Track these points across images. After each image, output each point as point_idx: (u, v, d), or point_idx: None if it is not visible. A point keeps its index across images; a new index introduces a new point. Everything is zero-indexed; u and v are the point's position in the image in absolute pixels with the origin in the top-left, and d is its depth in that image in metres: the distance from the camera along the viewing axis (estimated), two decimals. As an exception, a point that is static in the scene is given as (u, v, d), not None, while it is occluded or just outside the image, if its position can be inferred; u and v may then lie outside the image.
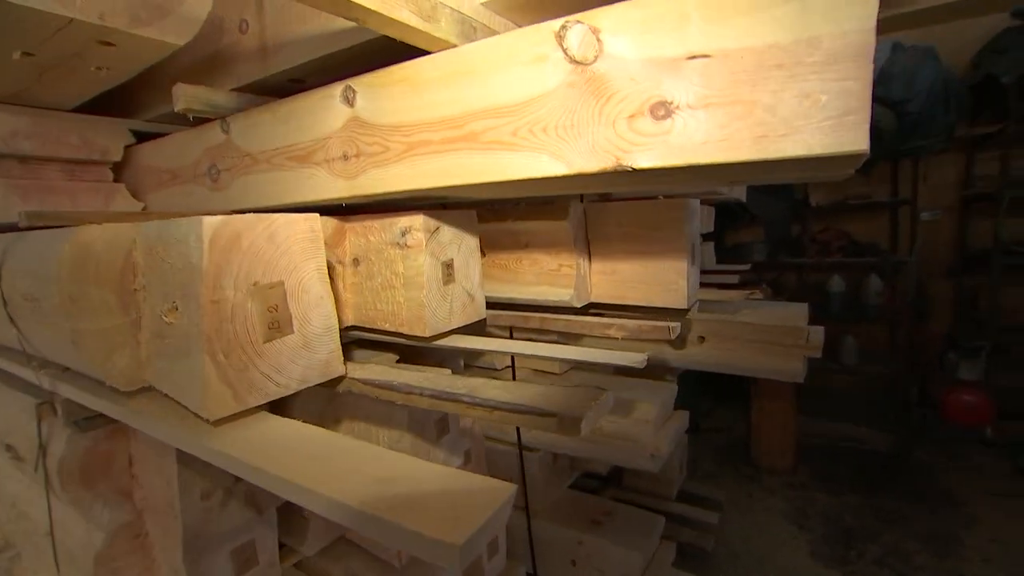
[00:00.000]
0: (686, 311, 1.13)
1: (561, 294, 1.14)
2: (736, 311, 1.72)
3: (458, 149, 0.70)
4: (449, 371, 1.07)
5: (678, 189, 1.39)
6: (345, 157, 0.85)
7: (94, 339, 0.68)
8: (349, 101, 0.82)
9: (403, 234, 0.96)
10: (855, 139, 0.47)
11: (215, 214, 0.64)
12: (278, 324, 0.65)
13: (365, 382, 0.74)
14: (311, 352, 0.70)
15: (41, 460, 1.00)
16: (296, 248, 0.67)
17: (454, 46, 0.69)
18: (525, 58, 0.63)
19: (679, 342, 1.83)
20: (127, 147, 1.27)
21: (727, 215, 3.19)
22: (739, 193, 2.10)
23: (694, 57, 0.53)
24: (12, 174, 1.12)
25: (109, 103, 1.25)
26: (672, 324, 1.00)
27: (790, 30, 0.48)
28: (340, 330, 1.09)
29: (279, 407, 0.80)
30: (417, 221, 0.93)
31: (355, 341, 1.24)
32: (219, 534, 0.95)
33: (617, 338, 1.07)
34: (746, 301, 1.92)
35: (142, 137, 1.28)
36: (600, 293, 1.20)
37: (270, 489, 0.49)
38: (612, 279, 1.18)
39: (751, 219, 3.18)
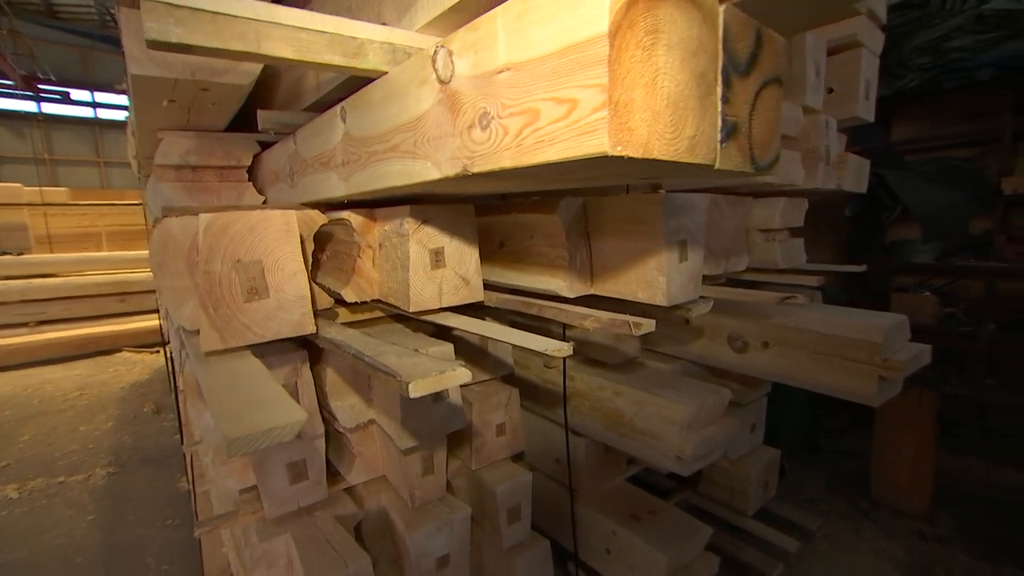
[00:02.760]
0: (670, 308, 1.09)
1: (552, 284, 1.20)
2: (807, 316, 1.53)
3: (390, 158, 0.85)
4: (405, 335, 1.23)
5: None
6: (343, 163, 1.06)
7: (171, 293, 1.00)
8: (343, 119, 1.03)
9: (401, 224, 1.15)
10: (599, 143, 0.49)
11: (289, 207, 0.90)
12: (256, 291, 0.89)
13: (328, 339, 0.95)
14: (285, 313, 0.93)
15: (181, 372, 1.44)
16: (272, 236, 0.90)
17: (386, 72, 0.84)
18: (417, 80, 0.75)
19: (740, 344, 1.69)
20: (255, 155, 1.69)
21: (878, 206, 2.67)
22: (829, 180, 1.80)
23: (501, 71, 0.59)
24: (185, 178, 1.61)
25: (251, 121, 1.69)
26: (635, 320, 0.99)
27: (554, 40, 0.52)
28: (369, 301, 1.34)
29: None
30: (404, 212, 1.11)
31: (394, 316, 1.48)
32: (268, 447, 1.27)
33: (590, 329, 1.09)
34: (822, 306, 1.66)
35: (266, 146, 1.69)
36: (600, 286, 1.22)
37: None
38: (608, 272, 1.19)
39: (903, 212, 2.60)
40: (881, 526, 2.17)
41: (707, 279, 1.65)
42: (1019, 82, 2.36)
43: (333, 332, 1.00)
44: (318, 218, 1.19)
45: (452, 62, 0.67)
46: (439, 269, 1.16)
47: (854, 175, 1.87)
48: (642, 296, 1.10)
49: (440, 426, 1.29)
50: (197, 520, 1.65)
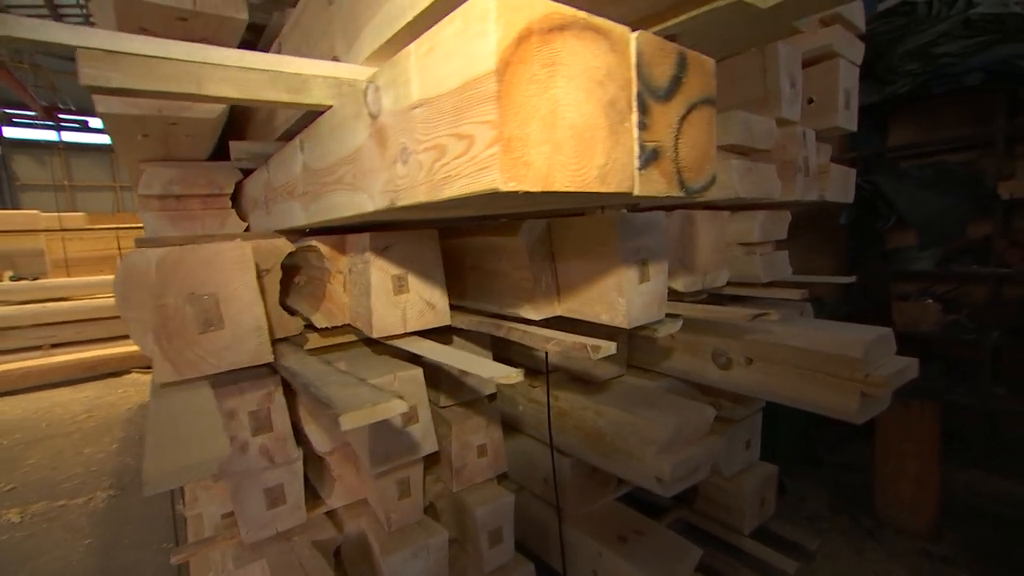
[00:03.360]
0: (637, 328, 1.08)
1: (518, 306, 1.20)
2: (790, 331, 1.50)
3: (338, 189, 0.86)
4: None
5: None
6: (303, 193, 1.07)
7: (137, 324, 1.02)
8: (302, 150, 1.05)
9: (363, 250, 1.16)
10: (492, 179, 0.49)
11: (265, 235, 0.91)
12: (211, 322, 0.90)
13: (285, 367, 0.96)
14: (241, 343, 0.94)
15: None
16: (227, 269, 0.92)
17: (331, 106, 0.85)
18: (353, 114, 0.76)
19: (724, 360, 1.66)
20: (239, 182, 1.73)
21: (872, 213, 2.63)
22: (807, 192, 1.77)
23: (415, 107, 0.60)
24: (169, 208, 1.65)
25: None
26: (594, 343, 0.98)
27: (454, 77, 0.53)
28: (341, 326, 1.34)
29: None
30: (366, 240, 1.12)
31: (366, 340, 1.49)
32: (243, 473, 1.27)
33: (551, 352, 1.08)
34: (807, 320, 1.63)
35: (249, 173, 1.73)
36: (566, 307, 1.21)
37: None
38: (573, 294, 1.18)
39: (899, 219, 2.55)
40: (884, 545, 2.10)
41: (688, 295, 1.64)
42: (1009, 86, 2.32)
43: (292, 360, 1.01)
44: (284, 246, 1.21)
45: (379, 97, 0.68)
46: (402, 294, 1.17)
47: (838, 185, 1.85)
48: (604, 318, 1.09)
49: (410, 450, 1.28)
50: (176, 545, 1.66)
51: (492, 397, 1.77)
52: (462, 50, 0.51)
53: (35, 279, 5.40)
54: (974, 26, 2.30)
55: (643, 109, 0.60)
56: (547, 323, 1.23)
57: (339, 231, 1.32)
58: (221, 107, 1.21)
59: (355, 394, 0.75)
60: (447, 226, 1.43)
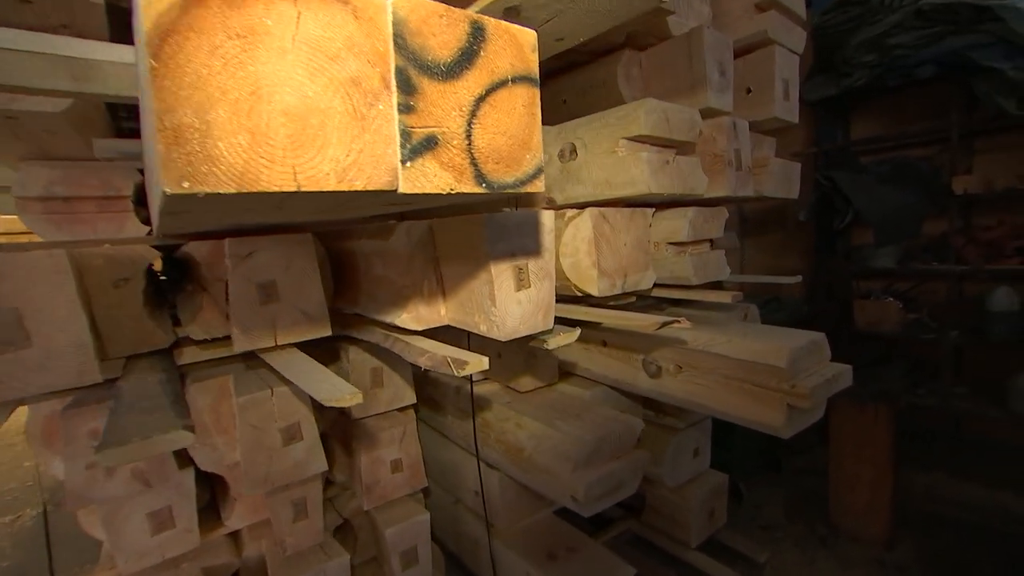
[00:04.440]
0: (526, 339, 0.99)
1: (398, 315, 1.10)
2: (720, 338, 1.41)
3: (147, 187, 0.77)
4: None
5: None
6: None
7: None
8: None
9: (225, 257, 1.06)
10: (159, 179, 0.40)
11: (129, 241, 0.81)
12: (12, 341, 0.80)
13: (117, 387, 0.86)
14: (56, 363, 0.84)
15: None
16: (32, 281, 0.82)
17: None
18: (148, 108, 0.66)
19: (654, 369, 1.57)
20: (140, 183, 1.62)
21: (831, 210, 2.55)
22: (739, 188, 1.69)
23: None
24: (55, 210, 1.53)
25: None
26: (458, 359, 0.89)
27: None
28: (222, 338, 1.25)
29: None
30: (226, 246, 1.02)
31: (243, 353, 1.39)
32: (111, 499, 1.17)
33: (424, 366, 0.99)
34: (742, 324, 1.54)
35: (150, 176, 1.62)
36: (452, 316, 1.12)
37: None
38: (456, 302, 1.09)
39: (856, 216, 2.46)
40: (836, 554, 2.02)
41: (611, 299, 1.54)
42: (962, 79, 2.24)
43: (131, 379, 0.91)
44: (146, 253, 1.11)
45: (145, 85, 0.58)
46: (271, 304, 1.07)
47: (778, 180, 1.76)
48: (483, 328, 1.00)
49: (295, 470, 1.18)
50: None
51: (414, 408, 1.67)
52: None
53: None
54: (926, 16, 2.22)
55: (407, 88, 0.51)
56: (428, 333, 1.13)
57: (218, 235, 1.22)
58: (68, 101, 1.11)
59: (137, 423, 0.66)
60: (340, 229, 1.34)
